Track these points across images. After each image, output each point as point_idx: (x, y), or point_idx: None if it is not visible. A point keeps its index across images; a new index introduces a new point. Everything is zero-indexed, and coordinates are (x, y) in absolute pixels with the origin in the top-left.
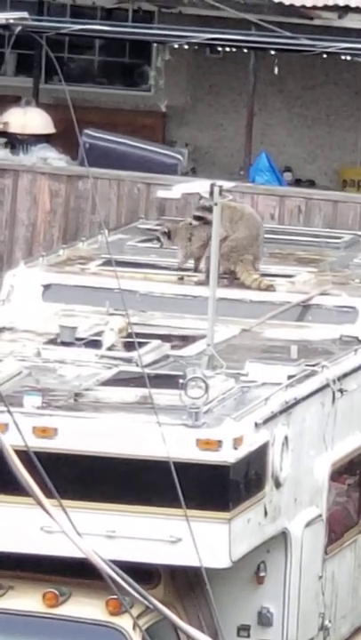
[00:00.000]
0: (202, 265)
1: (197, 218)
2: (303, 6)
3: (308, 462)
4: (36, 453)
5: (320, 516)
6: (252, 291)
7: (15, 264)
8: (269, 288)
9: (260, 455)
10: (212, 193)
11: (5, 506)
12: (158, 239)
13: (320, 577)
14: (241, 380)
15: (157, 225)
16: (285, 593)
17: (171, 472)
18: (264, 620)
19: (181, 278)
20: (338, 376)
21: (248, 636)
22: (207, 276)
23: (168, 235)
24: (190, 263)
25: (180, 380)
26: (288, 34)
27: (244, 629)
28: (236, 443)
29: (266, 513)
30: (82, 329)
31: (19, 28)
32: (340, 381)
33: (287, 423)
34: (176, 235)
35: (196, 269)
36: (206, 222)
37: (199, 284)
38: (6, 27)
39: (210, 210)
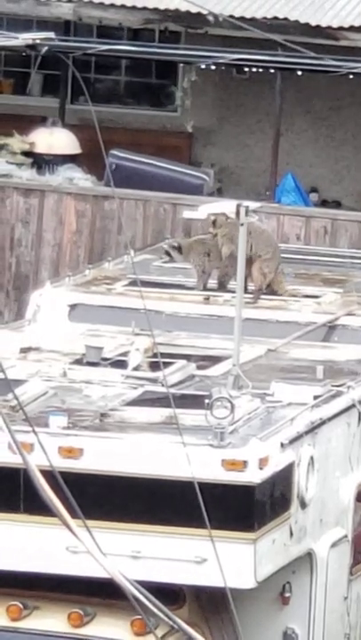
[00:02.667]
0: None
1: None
2: (329, 27)
3: (334, 483)
4: (62, 474)
5: (346, 536)
6: (276, 308)
7: (41, 284)
8: (298, 294)
9: (285, 475)
10: (238, 213)
11: (31, 526)
12: (168, 254)
13: (345, 597)
14: (267, 400)
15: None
16: (311, 614)
17: (196, 492)
18: None
19: (207, 298)
20: None
21: None
22: (219, 288)
23: (179, 249)
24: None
25: (206, 400)
26: (314, 54)
27: None
28: (262, 463)
29: (291, 533)
30: (108, 349)
31: (45, 49)
32: None
33: (313, 443)
34: (190, 250)
35: (204, 286)
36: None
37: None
38: (33, 47)
39: (213, 223)
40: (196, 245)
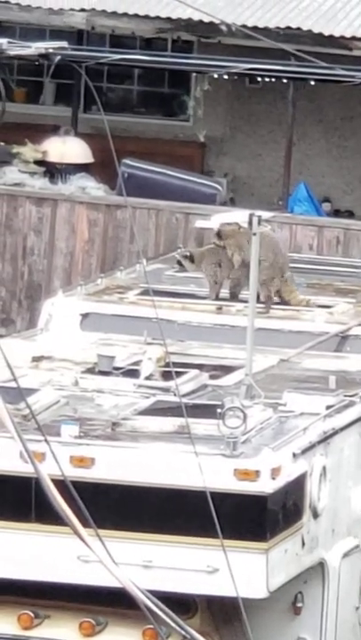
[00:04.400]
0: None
1: (215, 244)
2: (342, 37)
3: (346, 493)
4: (74, 483)
5: (358, 546)
6: (288, 318)
7: (53, 293)
8: (310, 303)
9: (297, 485)
10: (250, 223)
11: (42, 535)
12: (180, 263)
13: (357, 608)
14: (279, 409)
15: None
16: (323, 624)
17: (208, 502)
18: None
19: (220, 308)
20: None
21: None
22: (231, 298)
23: (191, 259)
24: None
25: (218, 410)
26: (326, 64)
27: None
28: (274, 473)
29: (303, 543)
30: (120, 358)
31: (58, 58)
32: None
33: (325, 453)
34: (202, 260)
35: (216, 296)
36: (218, 247)
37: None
38: (45, 56)
39: (218, 235)
40: (208, 255)
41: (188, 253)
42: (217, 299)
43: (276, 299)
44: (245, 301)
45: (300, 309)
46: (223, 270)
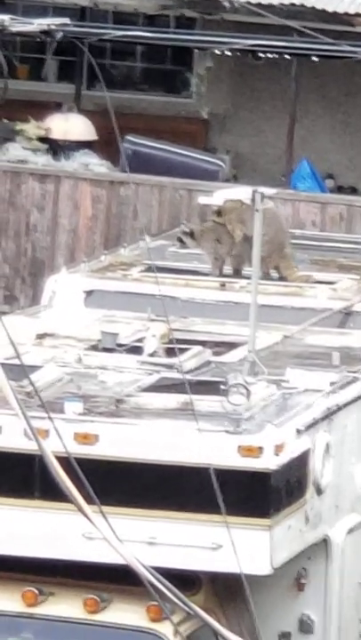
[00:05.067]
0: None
1: (214, 222)
2: (346, 13)
3: (350, 469)
4: (78, 460)
5: None
6: (291, 294)
7: (57, 270)
8: (310, 279)
9: (301, 462)
10: (253, 199)
11: (47, 512)
12: (181, 240)
13: None
14: (282, 386)
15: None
16: (326, 600)
17: (212, 479)
18: (305, 627)
19: (223, 285)
20: None
21: None
22: (234, 275)
23: (191, 235)
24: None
25: (222, 387)
26: (330, 40)
27: (284, 636)
28: (278, 449)
29: (307, 520)
30: (123, 335)
31: (60, 35)
32: None
33: (329, 430)
34: (202, 236)
35: (220, 272)
36: (220, 224)
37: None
38: (48, 33)
39: (218, 213)
40: (207, 231)
41: (188, 230)
42: (220, 275)
43: (275, 274)
44: (248, 278)
45: (301, 285)
46: (223, 246)
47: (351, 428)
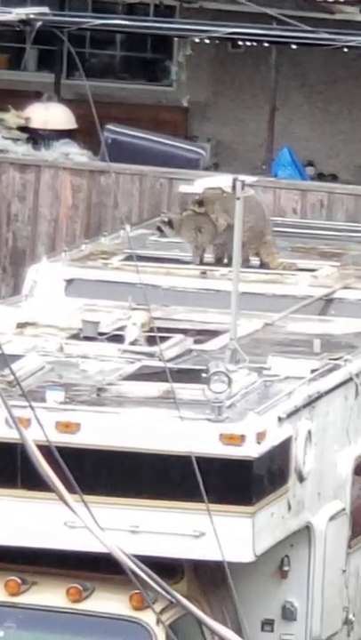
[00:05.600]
0: (206, 255)
1: (194, 212)
2: (325, 1)
3: (332, 456)
4: (59, 448)
5: (344, 509)
6: (272, 282)
7: (38, 259)
8: (292, 267)
9: (283, 449)
10: (234, 188)
11: (29, 501)
12: (160, 229)
13: (344, 571)
14: (264, 374)
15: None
16: (309, 587)
17: (194, 467)
18: (288, 614)
19: (204, 273)
20: None
21: (272, 630)
22: (216, 263)
23: (170, 224)
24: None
25: (203, 375)
26: (309, 28)
27: (268, 624)
28: (260, 437)
29: (289, 507)
30: (104, 324)
31: (39, 24)
32: None
33: (310, 417)
34: (182, 225)
35: (201, 261)
36: (201, 214)
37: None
38: (27, 22)
39: (199, 203)
40: (187, 220)
41: (167, 219)
42: (201, 263)
43: (255, 261)
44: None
45: (283, 273)
46: (204, 235)
47: (333, 416)
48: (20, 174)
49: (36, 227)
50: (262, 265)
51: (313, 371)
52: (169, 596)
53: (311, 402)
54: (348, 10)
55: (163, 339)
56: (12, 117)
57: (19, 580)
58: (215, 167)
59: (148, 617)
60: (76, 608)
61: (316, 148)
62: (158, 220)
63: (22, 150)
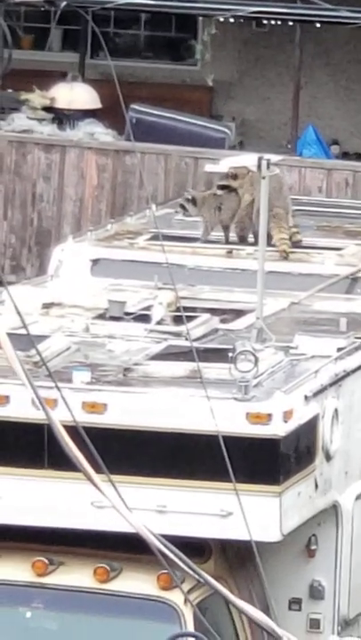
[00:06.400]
0: (231, 234)
1: (222, 187)
2: None
3: (359, 435)
4: (86, 429)
5: None
6: (298, 261)
7: (63, 239)
8: (283, 254)
9: (310, 428)
10: (259, 166)
11: (56, 482)
12: (183, 207)
13: None
14: (290, 353)
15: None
16: (337, 566)
17: (221, 446)
18: (315, 593)
19: (230, 252)
20: None
21: (300, 609)
22: (240, 241)
23: (193, 201)
24: (214, 234)
25: (230, 354)
26: (332, 6)
27: (295, 603)
28: (286, 416)
29: (316, 486)
30: (130, 303)
31: (64, 4)
32: None
33: (337, 396)
34: (204, 203)
35: (227, 240)
36: (231, 190)
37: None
38: (51, 2)
39: (234, 177)
40: (210, 198)
41: (190, 197)
42: (227, 242)
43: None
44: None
45: (279, 249)
46: (224, 212)
47: (359, 394)
48: (46, 154)
49: (61, 207)
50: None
51: (339, 349)
52: (197, 576)
53: (338, 380)
54: None
55: (189, 318)
56: (36, 98)
57: (46, 561)
58: (240, 146)
59: (175, 597)
60: (103, 588)
61: (340, 126)
62: (182, 198)
63: (47, 130)
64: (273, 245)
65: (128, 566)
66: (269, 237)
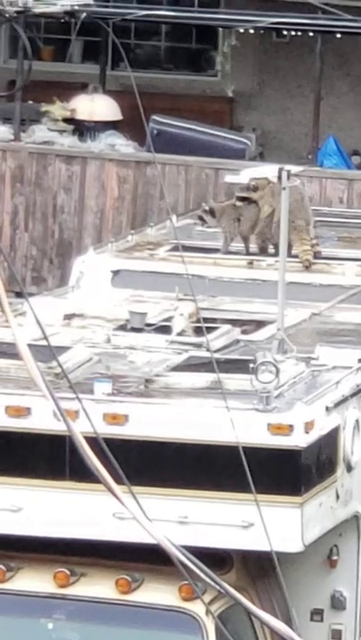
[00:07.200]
0: (252, 245)
1: (242, 199)
2: None
3: None
4: (107, 440)
5: None
6: (319, 272)
7: (84, 251)
8: (306, 263)
9: (331, 439)
10: (280, 177)
11: (77, 493)
12: (201, 218)
13: None
14: (311, 363)
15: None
16: (358, 576)
17: (242, 457)
18: (337, 603)
19: (251, 263)
20: None
21: (321, 620)
22: (260, 252)
23: (212, 213)
24: (235, 245)
25: (251, 365)
26: (352, 17)
27: (317, 613)
28: (308, 427)
29: (338, 497)
30: (151, 315)
31: (84, 15)
32: None
33: (358, 406)
34: (223, 215)
35: (247, 251)
36: (251, 202)
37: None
38: (72, 14)
39: (254, 189)
40: (229, 209)
41: (208, 208)
42: (248, 253)
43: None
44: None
45: (308, 262)
46: (244, 224)
47: None
48: (66, 166)
49: (82, 218)
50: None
51: (360, 360)
52: (218, 587)
53: (359, 391)
54: None
55: (210, 329)
56: (57, 109)
57: (67, 572)
58: (261, 157)
59: (197, 608)
60: (125, 599)
61: None
62: (200, 210)
63: (68, 142)
64: (294, 256)
65: (149, 577)
66: (290, 248)
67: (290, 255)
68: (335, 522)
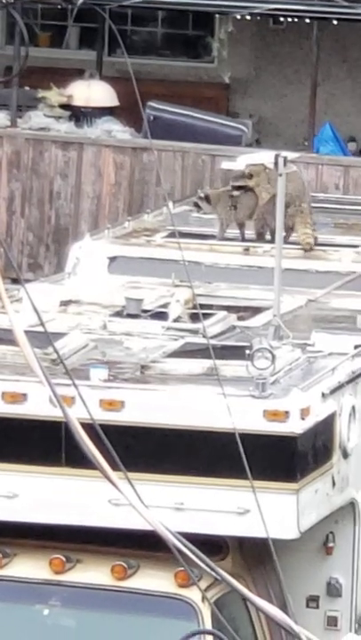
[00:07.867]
0: (248, 231)
1: (237, 188)
2: None
3: None
4: (103, 426)
5: None
6: (315, 258)
7: (81, 237)
8: (307, 246)
9: (327, 425)
10: (276, 164)
11: (73, 479)
12: (197, 205)
13: None
14: (307, 350)
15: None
16: (354, 563)
17: (238, 443)
18: (333, 590)
19: (247, 249)
20: None
21: (317, 606)
22: (258, 238)
23: (207, 199)
24: (230, 231)
25: (247, 351)
26: (349, 3)
27: (313, 600)
28: (304, 413)
29: (334, 483)
30: (148, 301)
31: (81, 1)
32: None
33: (354, 393)
34: (218, 201)
35: (243, 238)
36: (247, 190)
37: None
38: (69, 0)
39: (249, 176)
40: (224, 196)
41: (203, 194)
42: (243, 240)
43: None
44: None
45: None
46: (240, 211)
47: None
48: (63, 152)
49: (78, 204)
50: (290, 229)
51: (356, 346)
52: (214, 574)
53: (355, 378)
54: None
55: (206, 315)
56: (54, 95)
57: (63, 558)
58: (257, 143)
59: (193, 594)
60: (120, 586)
61: (358, 123)
62: (196, 196)
63: (64, 128)
64: (290, 243)
65: (145, 564)
66: (293, 230)
67: (287, 241)
68: (331, 508)
